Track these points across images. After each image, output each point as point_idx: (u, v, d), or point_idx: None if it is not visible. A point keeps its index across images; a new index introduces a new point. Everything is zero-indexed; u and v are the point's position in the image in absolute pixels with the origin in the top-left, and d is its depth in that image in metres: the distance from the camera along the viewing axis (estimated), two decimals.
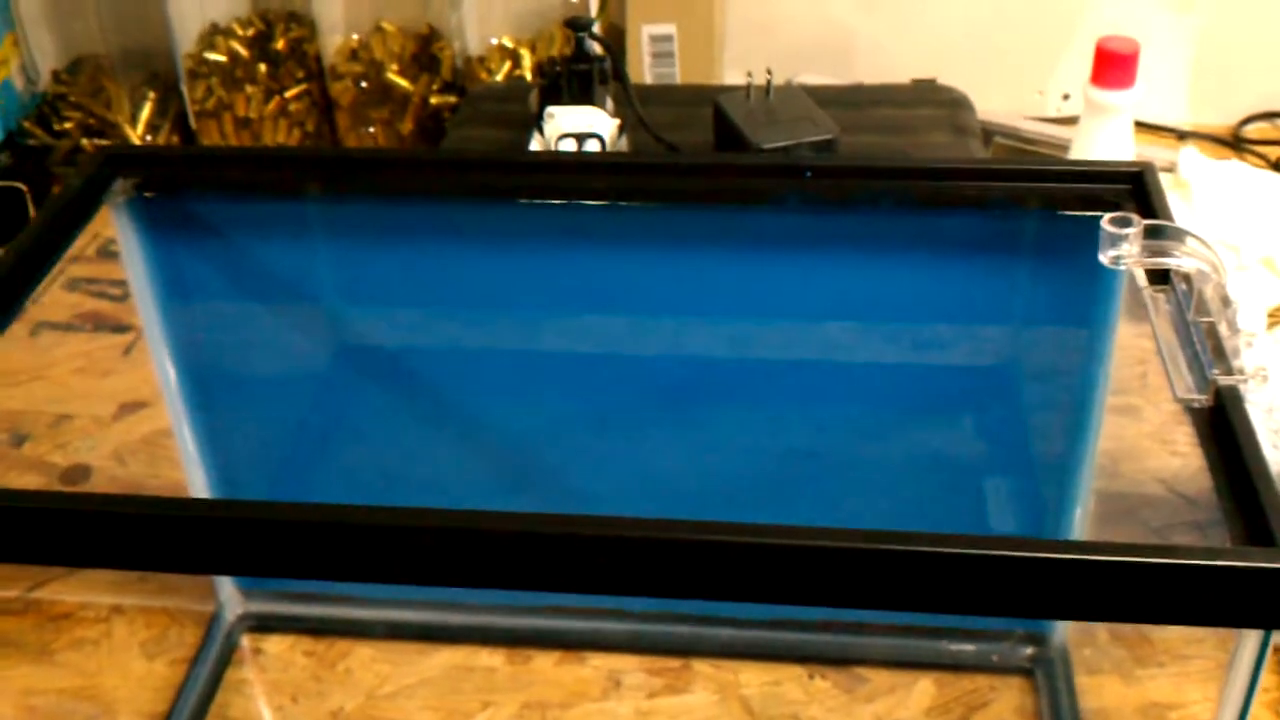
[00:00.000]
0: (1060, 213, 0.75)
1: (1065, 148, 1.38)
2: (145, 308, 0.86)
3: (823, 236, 0.78)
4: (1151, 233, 0.62)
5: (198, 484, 0.96)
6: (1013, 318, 0.84)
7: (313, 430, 0.97)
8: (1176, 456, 1.16)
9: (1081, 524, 0.99)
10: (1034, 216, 0.76)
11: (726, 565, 0.54)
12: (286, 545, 0.56)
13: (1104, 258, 0.62)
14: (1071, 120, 1.54)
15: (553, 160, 0.81)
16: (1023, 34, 1.60)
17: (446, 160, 0.83)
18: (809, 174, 0.73)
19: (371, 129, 1.56)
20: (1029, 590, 0.52)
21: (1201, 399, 0.60)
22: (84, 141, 1.57)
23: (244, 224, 0.84)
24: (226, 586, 1.03)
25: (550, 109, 1.23)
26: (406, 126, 1.55)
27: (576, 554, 0.55)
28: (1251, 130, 1.60)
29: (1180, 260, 0.62)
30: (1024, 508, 1.02)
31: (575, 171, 0.80)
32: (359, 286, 0.88)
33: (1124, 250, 0.61)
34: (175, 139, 1.60)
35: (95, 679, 1.01)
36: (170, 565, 0.59)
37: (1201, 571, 0.50)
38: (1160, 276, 0.65)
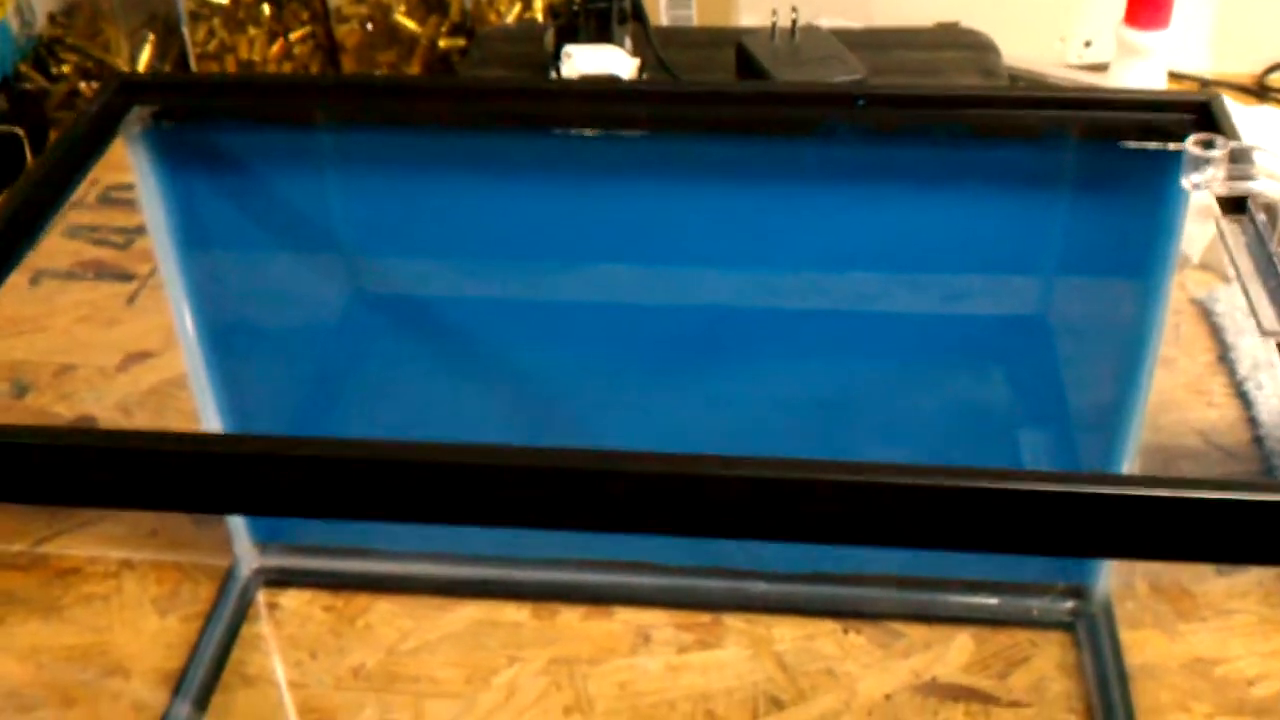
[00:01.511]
0: (1123, 144, 0.72)
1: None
2: (162, 246, 0.82)
3: (872, 169, 0.74)
4: (1234, 156, 0.59)
5: (212, 424, 0.93)
6: (1068, 259, 0.81)
7: (331, 374, 0.93)
8: (1214, 408, 1.14)
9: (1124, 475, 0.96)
10: (1094, 148, 0.72)
11: (754, 501, 0.51)
12: (304, 482, 0.53)
13: (1186, 182, 0.59)
14: (1095, 67, 1.51)
15: (581, 88, 0.77)
16: None
17: (472, 89, 0.79)
18: (862, 102, 0.69)
19: (378, 73, 1.52)
20: (1098, 528, 0.49)
21: None
22: (82, 85, 1.52)
23: (264, 155, 0.80)
24: (242, 540, 1.00)
25: (567, 48, 1.19)
26: (414, 69, 1.50)
27: (591, 488, 0.52)
28: (1277, 79, 1.57)
29: (1264, 184, 0.58)
30: (1065, 460, 1.00)
31: (609, 100, 0.76)
32: (381, 222, 0.84)
33: (1208, 174, 0.58)
34: None
35: (105, 636, 0.98)
36: (185, 504, 0.56)
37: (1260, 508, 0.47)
38: (1235, 205, 0.62)
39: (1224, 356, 1.19)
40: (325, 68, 1.54)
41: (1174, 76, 1.53)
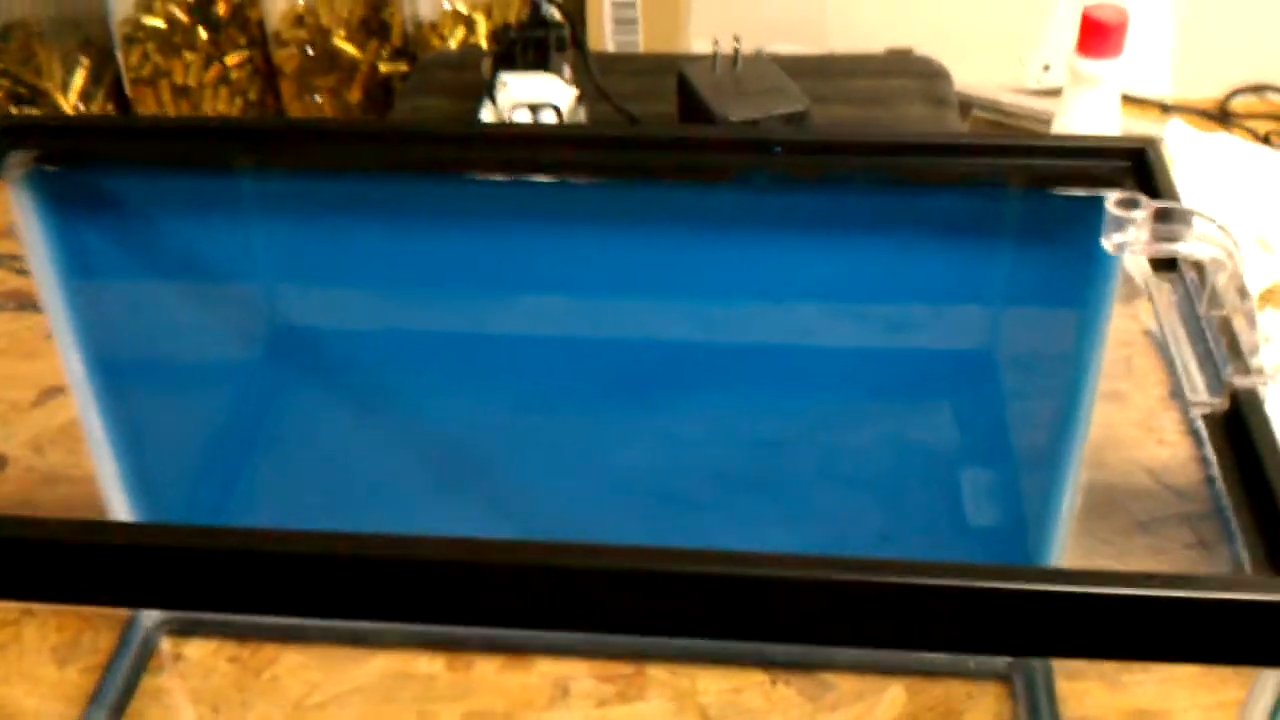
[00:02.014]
0: (1053, 191, 0.68)
1: (1047, 121, 1.32)
2: (47, 291, 0.78)
3: (795, 216, 0.71)
4: (1160, 215, 0.55)
5: (109, 479, 0.88)
6: (1000, 303, 0.78)
7: (237, 423, 0.89)
8: (1164, 446, 1.10)
9: (1068, 518, 0.93)
10: (1024, 195, 0.69)
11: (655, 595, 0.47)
12: (197, 576, 0.49)
13: (1107, 243, 0.55)
14: (1053, 92, 1.47)
15: (500, 133, 0.73)
16: (1002, 1, 1.53)
17: (380, 132, 0.75)
18: (778, 150, 0.66)
19: (318, 97, 1.48)
20: (1013, 624, 0.46)
21: (1215, 403, 0.53)
22: (12, 110, 1.48)
23: (157, 200, 0.77)
24: None
25: (503, 76, 1.16)
26: (354, 95, 1.47)
27: (520, 585, 0.48)
28: (1238, 104, 1.54)
29: (1192, 246, 0.55)
30: (1008, 502, 0.96)
31: (526, 145, 0.72)
32: (280, 268, 0.80)
33: (1131, 235, 0.54)
34: (110, 108, 1.52)
35: (2, 688, 0.93)
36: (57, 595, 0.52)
37: (1219, 606, 0.43)
38: (1166, 262, 0.59)
39: (1176, 392, 1.16)
40: (264, 93, 1.51)
41: (1132, 101, 1.50)
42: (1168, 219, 0.57)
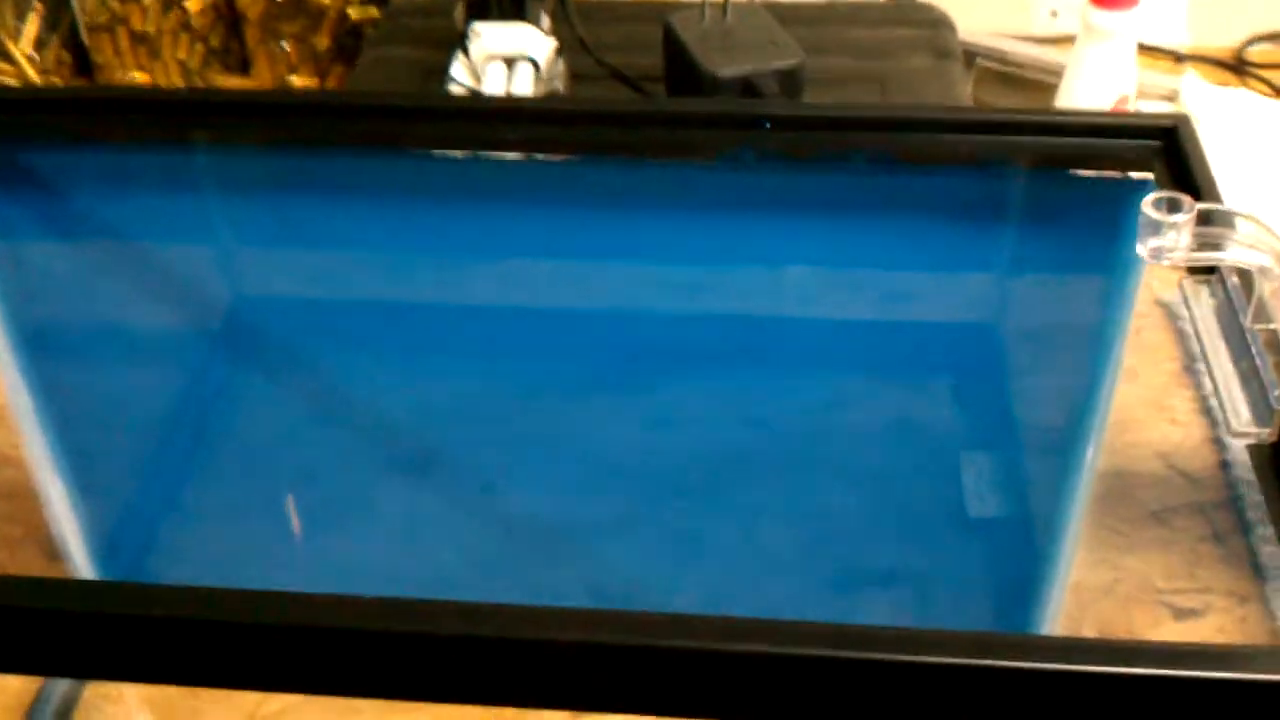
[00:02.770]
0: (1072, 173, 0.61)
1: (1056, 73, 1.24)
2: None
3: (791, 195, 0.64)
4: (1202, 218, 0.48)
5: (42, 463, 0.81)
6: (1010, 289, 0.71)
7: (175, 405, 0.83)
8: (1176, 426, 1.04)
9: (1081, 506, 0.87)
10: (1040, 177, 0.62)
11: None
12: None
13: (1143, 249, 0.48)
14: (1062, 40, 1.40)
15: (440, 105, 0.65)
16: None
17: (282, 104, 0.67)
18: (768, 125, 0.59)
19: (284, 45, 1.40)
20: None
21: (1262, 433, 0.46)
22: None
23: (85, 177, 0.69)
24: None
25: (477, 25, 1.08)
26: (322, 42, 1.38)
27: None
28: (1255, 53, 1.46)
29: (1237, 254, 0.48)
30: (1019, 489, 0.90)
31: (486, 120, 0.65)
32: (218, 246, 0.73)
33: (1169, 240, 0.47)
34: (66, 56, 1.43)
35: None
36: None
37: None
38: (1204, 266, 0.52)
39: (1189, 367, 1.09)
40: (228, 39, 1.42)
41: (1147, 50, 1.42)
42: (1209, 221, 0.50)
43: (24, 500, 0.94)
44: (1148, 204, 0.47)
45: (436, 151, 0.65)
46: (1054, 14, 1.46)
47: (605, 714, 0.82)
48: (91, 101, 0.69)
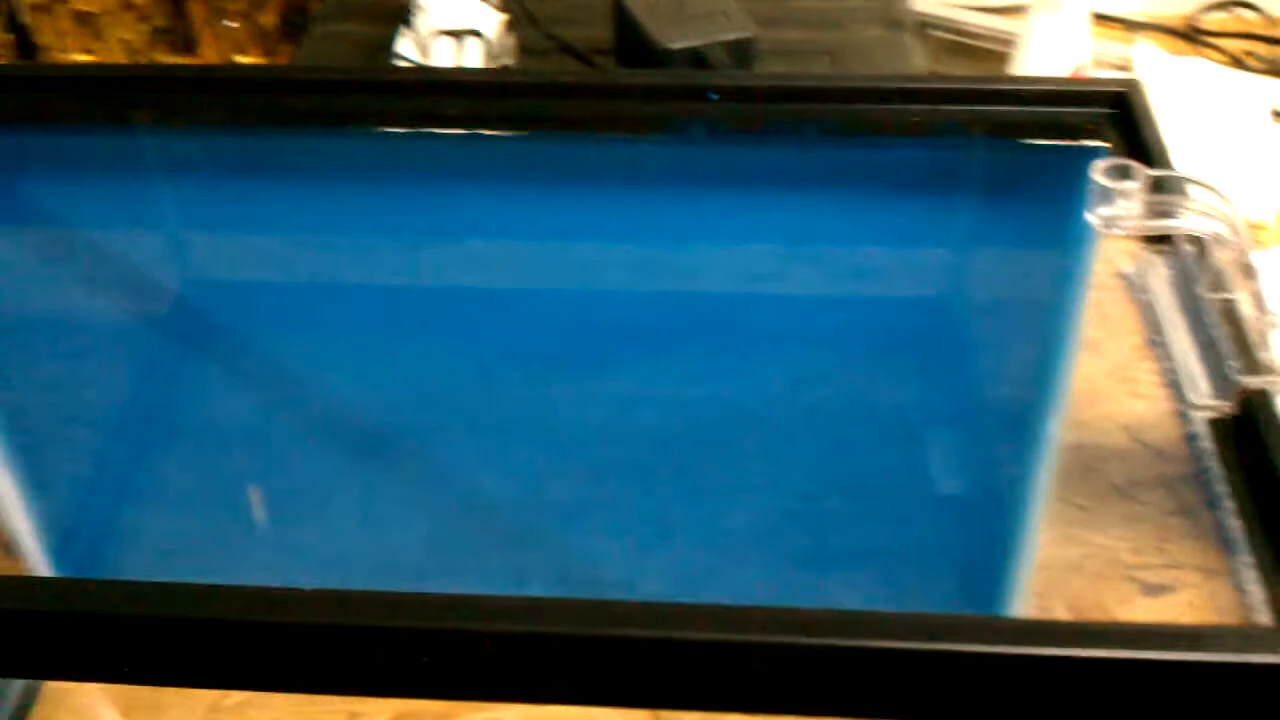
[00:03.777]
0: (1024, 141, 0.60)
1: (1010, 40, 1.24)
2: None
3: (743, 168, 0.62)
4: (1154, 185, 0.48)
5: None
6: (971, 262, 0.70)
7: (123, 410, 0.81)
8: (1140, 399, 1.03)
9: (1043, 481, 0.87)
10: (992, 145, 0.61)
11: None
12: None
13: (1093, 217, 0.47)
14: (1015, 10, 1.39)
15: (388, 78, 0.64)
16: None
17: (271, 81, 0.65)
18: (715, 96, 0.58)
19: (230, 23, 1.37)
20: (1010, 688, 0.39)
21: (1222, 405, 0.46)
22: None
23: (30, 156, 0.67)
24: None
25: (422, 0, 1.06)
26: (269, 19, 1.36)
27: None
28: (1210, 21, 1.46)
29: (1190, 221, 0.47)
30: (981, 464, 0.90)
31: (431, 93, 0.63)
32: (167, 228, 0.71)
33: (1121, 209, 0.47)
34: (7, 36, 1.40)
35: None
36: None
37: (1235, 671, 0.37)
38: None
39: (1152, 340, 1.09)
40: (172, 20, 1.40)
41: (1100, 19, 1.42)
42: (1161, 189, 0.49)
43: None
44: (1098, 170, 0.46)
45: (383, 128, 0.63)
46: None
47: (556, 704, 0.81)
48: (31, 80, 0.66)
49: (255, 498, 0.89)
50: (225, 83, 0.65)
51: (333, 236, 0.75)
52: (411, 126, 0.63)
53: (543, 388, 0.84)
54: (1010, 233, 0.67)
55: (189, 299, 0.80)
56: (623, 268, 0.73)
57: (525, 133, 0.63)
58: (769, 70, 1.07)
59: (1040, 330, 0.81)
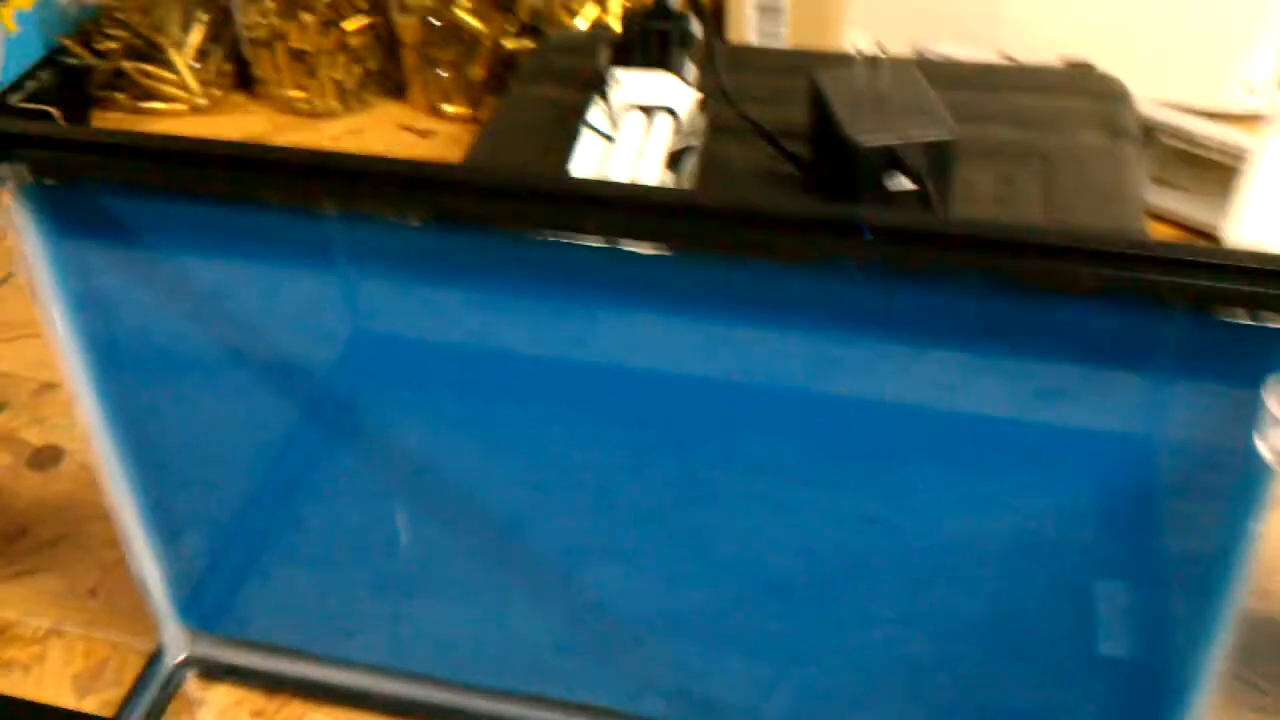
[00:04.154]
0: (1231, 320, 0.53)
1: (1241, 156, 1.15)
2: (49, 317, 0.70)
3: (894, 313, 0.58)
4: None
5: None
6: (1143, 431, 0.64)
7: (263, 473, 0.81)
8: None
9: (1220, 654, 0.79)
10: (1189, 319, 0.54)
11: None
12: None
13: (1262, 445, 0.41)
14: (1254, 118, 1.30)
15: (546, 188, 0.60)
16: (1203, 7, 1.34)
17: (415, 176, 0.63)
18: (869, 235, 0.53)
19: (440, 71, 1.38)
20: None
21: None
22: (125, 64, 1.42)
23: (173, 231, 0.67)
24: (170, 624, 0.88)
25: (617, 72, 1.04)
26: (477, 72, 1.37)
27: None
28: None
29: None
30: (1151, 627, 0.83)
31: (571, 203, 0.60)
32: (304, 318, 0.71)
33: None
34: (227, 67, 1.45)
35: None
36: None
37: None
38: None
39: None
40: (383, 63, 1.42)
41: None
42: None
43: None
44: (1271, 391, 0.40)
45: (528, 232, 0.60)
46: (1252, 90, 1.36)
47: None
48: (210, 157, 0.65)
49: (385, 568, 0.88)
50: (394, 177, 0.62)
51: (496, 334, 0.74)
52: (553, 234, 0.60)
53: (690, 500, 0.81)
54: (1193, 408, 0.60)
55: (335, 381, 0.80)
56: (773, 395, 0.69)
57: (667, 250, 0.59)
58: (970, 173, 1.02)
59: (1227, 485, 0.74)
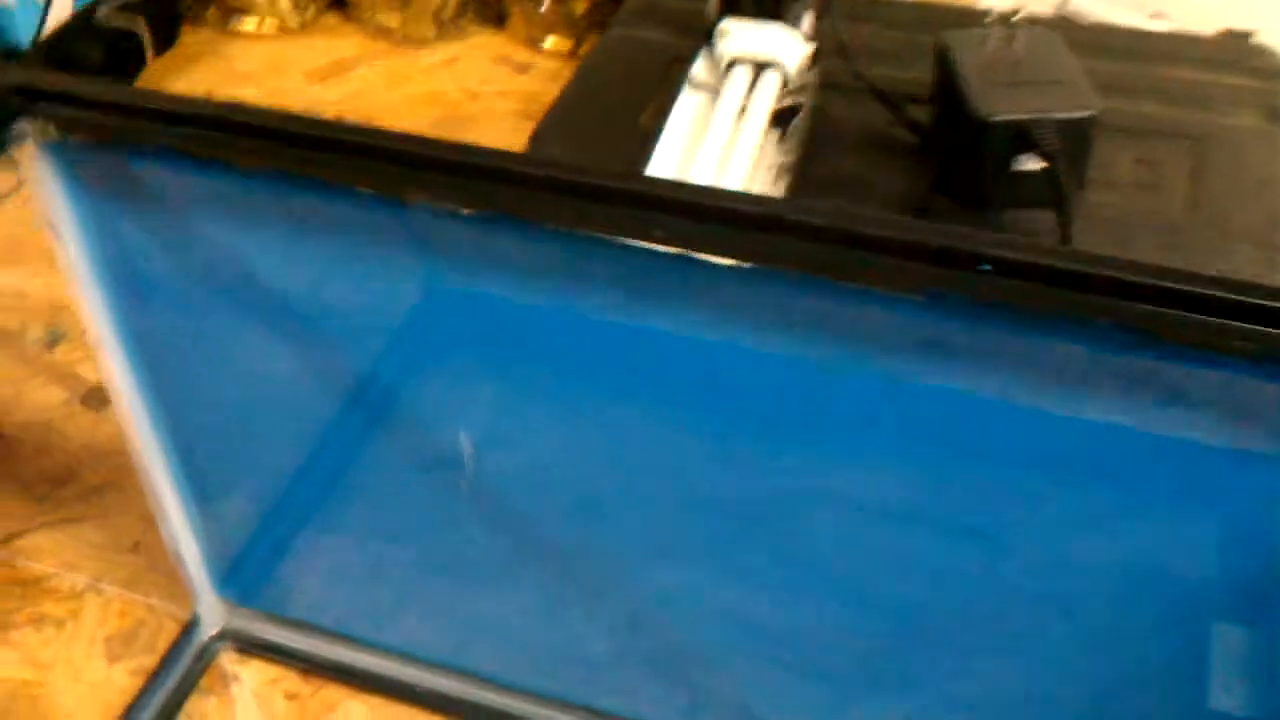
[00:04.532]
0: None
1: None
2: (81, 286, 0.64)
3: (1005, 356, 0.49)
4: None
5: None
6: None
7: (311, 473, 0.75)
8: None
9: None
10: None
11: None
12: None
13: None
14: None
15: (622, 189, 0.51)
16: None
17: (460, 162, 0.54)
18: (988, 268, 0.45)
19: (541, 7, 1.30)
20: None
21: None
22: (221, 19, 1.36)
23: (207, 199, 0.61)
24: (207, 594, 0.83)
25: (725, 23, 0.95)
26: (580, 6, 1.28)
27: None
28: None
29: None
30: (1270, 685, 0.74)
31: (649, 207, 0.51)
32: (338, 292, 0.64)
33: None
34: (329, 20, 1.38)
35: (45, 673, 0.83)
36: None
37: None
38: None
39: None
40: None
41: None
42: None
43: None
44: None
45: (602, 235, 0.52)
46: None
47: None
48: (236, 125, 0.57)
49: (436, 554, 0.82)
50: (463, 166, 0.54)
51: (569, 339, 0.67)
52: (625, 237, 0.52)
53: (776, 538, 0.74)
54: None
55: (390, 355, 0.74)
56: (847, 430, 0.61)
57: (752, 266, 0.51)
58: (1111, 154, 0.91)
59: None
